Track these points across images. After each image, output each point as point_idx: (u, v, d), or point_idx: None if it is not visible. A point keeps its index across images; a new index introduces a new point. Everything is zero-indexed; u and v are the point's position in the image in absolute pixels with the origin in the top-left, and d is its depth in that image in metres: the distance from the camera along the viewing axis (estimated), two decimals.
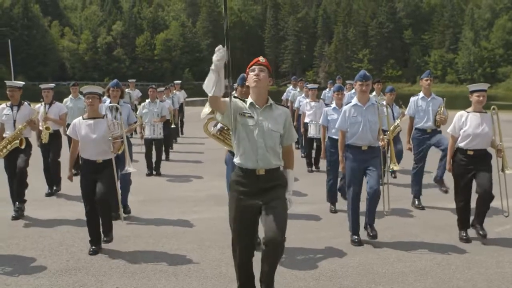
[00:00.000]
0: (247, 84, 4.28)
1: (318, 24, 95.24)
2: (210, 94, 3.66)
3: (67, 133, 5.98)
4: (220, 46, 3.59)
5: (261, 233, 4.14)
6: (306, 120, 10.69)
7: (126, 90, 15.12)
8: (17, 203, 6.97)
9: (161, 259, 5.50)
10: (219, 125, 5.80)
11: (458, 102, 29.23)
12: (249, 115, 3.99)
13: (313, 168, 10.79)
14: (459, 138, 6.17)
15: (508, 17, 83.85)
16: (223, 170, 6.26)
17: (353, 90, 12.27)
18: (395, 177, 9.29)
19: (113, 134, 5.67)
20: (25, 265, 5.31)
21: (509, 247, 5.97)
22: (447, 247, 5.96)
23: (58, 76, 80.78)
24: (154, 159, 10.48)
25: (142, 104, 10.93)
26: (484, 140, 6.06)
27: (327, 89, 16.60)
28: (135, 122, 7.63)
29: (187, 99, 18.36)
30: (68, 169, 5.99)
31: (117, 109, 6.35)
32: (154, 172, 10.37)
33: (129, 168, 6.04)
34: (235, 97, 4.20)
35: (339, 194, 7.72)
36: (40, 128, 7.93)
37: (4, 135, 7.03)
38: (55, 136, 8.39)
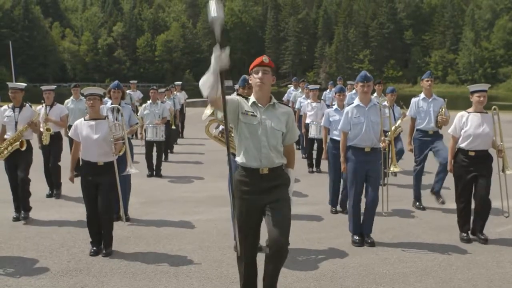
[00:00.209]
0: (249, 85, 4.29)
1: (318, 25, 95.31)
2: (205, 94, 3.61)
3: (69, 134, 5.97)
4: (223, 51, 3.56)
5: (263, 233, 4.15)
6: (307, 120, 10.70)
7: (127, 91, 15.14)
8: (23, 212, 6.98)
9: (162, 260, 5.50)
10: (220, 127, 5.81)
11: (459, 102, 29.21)
12: (252, 113, 3.99)
13: (314, 169, 10.78)
14: (460, 139, 6.16)
15: (509, 18, 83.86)
16: (224, 171, 6.27)
17: (354, 91, 12.28)
18: (395, 175, 9.29)
19: (114, 136, 5.67)
20: (26, 266, 5.31)
21: (509, 247, 5.97)
22: (448, 247, 5.96)
23: (59, 78, 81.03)
24: (154, 161, 10.48)
25: (144, 105, 10.93)
26: (485, 141, 6.06)
27: (328, 90, 16.63)
28: (136, 124, 7.64)
29: (187, 100, 18.35)
30: (69, 171, 5.99)
31: (118, 110, 6.36)
32: (154, 173, 10.36)
33: (131, 169, 6.04)
34: (238, 94, 4.20)
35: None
36: (41, 129, 7.94)
37: (5, 136, 7.04)
38: (56, 138, 8.39)
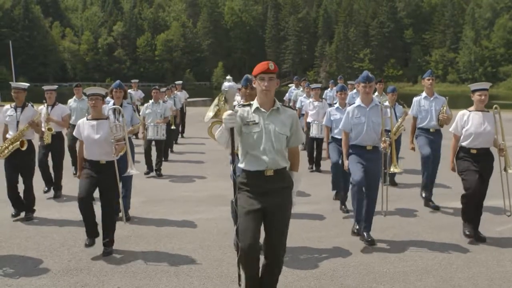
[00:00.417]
0: (251, 85, 4.30)
1: (319, 24, 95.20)
2: (223, 147, 4.10)
3: (73, 133, 5.97)
4: (233, 112, 3.90)
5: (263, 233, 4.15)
6: (309, 119, 10.69)
7: (129, 90, 15.14)
8: (27, 212, 7.01)
9: (163, 259, 5.51)
10: None
11: (459, 101, 29.23)
12: (253, 122, 4.01)
13: (314, 168, 10.76)
14: (462, 137, 6.16)
15: (509, 16, 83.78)
16: (225, 171, 6.28)
17: (355, 90, 12.28)
18: (396, 184, 9.23)
19: (115, 137, 5.66)
20: (26, 265, 5.32)
21: (510, 246, 5.97)
22: (449, 246, 5.96)
23: (59, 77, 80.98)
24: (154, 159, 10.48)
25: (145, 104, 10.94)
26: (487, 139, 6.05)
27: (329, 89, 16.63)
28: (138, 123, 7.64)
29: (188, 100, 18.36)
30: (78, 169, 5.97)
31: (119, 111, 6.34)
32: (153, 172, 10.35)
33: (131, 170, 6.03)
34: (238, 105, 4.22)
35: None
36: (43, 129, 7.93)
37: (7, 136, 7.04)
38: (58, 138, 8.38)
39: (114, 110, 6.04)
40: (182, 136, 16.30)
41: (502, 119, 6.18)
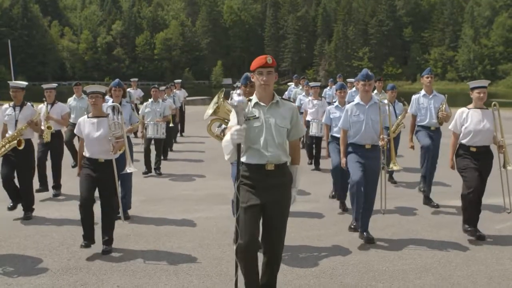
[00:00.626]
0: (251, 83, 4.29)
1: (318, 22, 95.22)
2: (226, 158, 4.03)
3: (74, 131, 5.97)
4: (241, 128, 3.82)
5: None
6: (308, 118, 10.69)
7: (128, 89, 15.13)
8: (26, 212, 7.00)
9: (162, 258, 5.51)
10: (222, 126, 5.82)
11: (458, 99, 29.23)
12: (254, 117, 4.01)
13: (313, 166, 10.76)
14: (461, 135, 6.16)
15: (508, 15, 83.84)
16: (224, 169, 6.28)
17: (354, 89, 12.28)
18: (395, 182, 9.24)
19: (114, 134, 5.65)
20: (26, 264, 5.32)
21: (509, 244, 5.97)
22: (448, 244, 5.96)
23: (58, 76, 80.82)
24: (153, 159, 10.47)
25: (145, 103, 10.93)
26: (486, 136, 6.05)
27: (328, 87, 16.62)
28: (137, 122, 7.63)
29: (187, 98, 18.35)
30: (78, 167, 5.98)
31: (118, 109, 6.32)
32: (152, 172, 10.34)
33: (129, 168, 6.01)
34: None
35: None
36: (42, 127, 7.92)
37: (6, 135, 7.03)
38: (57, 137, 8.37)
39: (113, 108, 6.02)
40: (182, 135, 16.30)
41: (501, 116, 6.18)
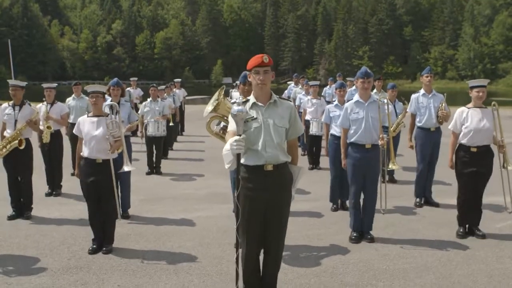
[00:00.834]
0: (249, 81, 4.27)
1: (317, 21, 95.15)
2: (226, 167, 3.95)
3: (73, 131, 5.97)
4: (240, 138, 3.78)
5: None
6: (307, 117, 10.68)
7: (128, 88, 15.13)
8: (28, 211, 7.04)
9: (162, 257, 5.51)
10: (221, 124, 5.80)
11: (458, 98, 29.21)
12: (252, 118, 3.98)
13: (313, 165, 10.76)
14: (461, 135, 6.15)
15: (508, 13, 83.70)
16: (224, 168, 6.24)
17: (354, 87, 12.27)
18: (395, 181, 9.24)
19: (111, 133, 5.64)
20: (26, 264, 5.32)
21: (509, 242, 5.97)
22: (448, 243, 5.97)
23: (58, 76, 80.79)
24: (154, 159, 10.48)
25: (144, 103, 10.93)
26: (486, 135, 6.04)
27: (328, 86, 16.62)
28: (136, 121, 7.62)
29: (187, 97, 18.35)
30: (75, 167, 5.99)
31: (115, 108, 6.29)
32: (154, 171, 10.36)
33: (126, 167, 6.00)
34: (234, 102, 4.20)
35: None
36: (41, 127, 7.92)
37: (5, 134, 7.04)
38: (56, 136, 8.37)
39: (111, 106, 6.00)
40: (182, 134, 16.30)
41: (500, 116, 6.17)
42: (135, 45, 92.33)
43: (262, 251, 4.23)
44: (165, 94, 12.82)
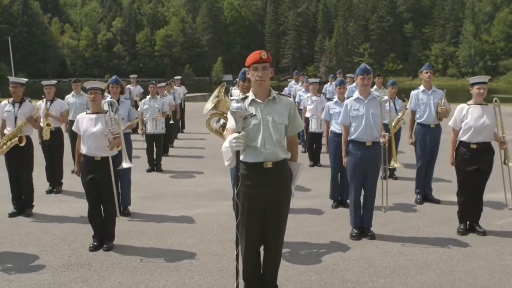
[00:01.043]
0: (249, 79, 4.25)
1: (318, 18, 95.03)
2: (226, 164, 3.90)
3: (73, 128, 5.96)
4: (240, 136, 3.75)
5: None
6: (307, 114, 10.67)
7: (128, 86, 15.13)
8: (29, 208, 7.06)
9: (163, 254, 5.52)
10: (221, 121, 5.79)
11: (459, 95, 29.18)
12: (251, 114, 3.97)
13: (315, 163, 10.76)
14: (461, 132, 6.14)
15: (509, 10, 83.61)
16: (224, 166, 6.25)
17: (354, 84, 12.25)
18: (396, 178, 9.24)
19: (110, 130, 5.63)
20: (27, 261, 5.32)
21: (510, 239, 5.97)
22: (449, 240, 5.96)
23: (58, 73, 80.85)
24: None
25: (143, 100, 10.92)
26: (486, 132, 6.02)
27: (328, 83, 16.61)
28: (136, 118, 7.62)
29: (187, 95, 18.34)
30: (75, 164, 5.99)
31: (113, 105, 6.27)
32: (155, 168, 10.36)
33: (125, 163, 5.98)
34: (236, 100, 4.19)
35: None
36: (41, 124, 7.92)
37: (5, 131, 7.04)
38: (57, 134, 8.37)
39: (110, 103, 5.99)
40: (182, 131, 16.30)
41: (502, 112, 6.16)
42: (135, 43, 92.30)
43: (262, 248, 4.23)
44: (166, 92, 12.81)
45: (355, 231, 6.04)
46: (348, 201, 6.75)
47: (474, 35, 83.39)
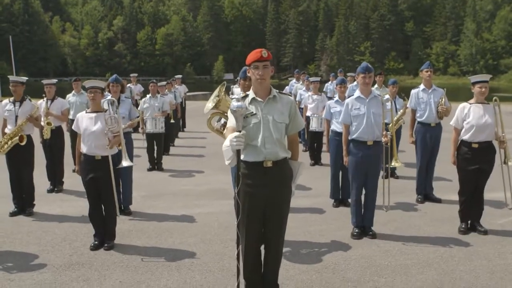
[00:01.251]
0: (250, 76, 4.24)
1: (319, 17, 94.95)
2: (226, 163, 3.88)
3: (72, 127, 5.96)
4: (240, 134, 3.73)
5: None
6: (308, 113, 10.67)
7: (128, 85, 15.13)
8: (30, 208, 7.06)
9: (164, 253, 5.52)
10: (222, 120, 5.79)
11: (460, 94, 29.17)
12: (252, 113, 3.96)
13: (315, 162, 10.75)
14: (463, 131, 6.13)
15: (510, 8, 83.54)
16: (225, 164, 6.24)
17: (355, 83, 12.24)
18: (397, 177, 9.24)
19: (110, 129, 5.62)
20: (28, 260, 5.33)
21: (511, 238, 5.96)
22: (450, 239, 5.96)
23: (59, 72, 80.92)
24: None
25: (143, 99, 10.92)
26: (488, 131, 6.01)
27: (329, 82, 16.60)
28: (137, 117, 7.62)
29: (188, 94, 18.33)
30: (76, 164, 6.00)
31: (114, 103, 6.27)
32: (155, 167, 10.37)
33: (124, 162, 5.97)
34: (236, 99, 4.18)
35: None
36: (42, 123, 7.92)
37: (6, 130, 7.04)
38: (57, 133, 8.37)
39: (110, 102, 5.98)
40: (183, 130, 16.31)
41: (502, 112, 6.15)
42: (136, 41, 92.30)
43: (263, 247, 4.23)
44: (166, 90, 12.80)
45: (356, 230, 6.04)
46: (349, 200, 6.75)
47: (475, 34, 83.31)
